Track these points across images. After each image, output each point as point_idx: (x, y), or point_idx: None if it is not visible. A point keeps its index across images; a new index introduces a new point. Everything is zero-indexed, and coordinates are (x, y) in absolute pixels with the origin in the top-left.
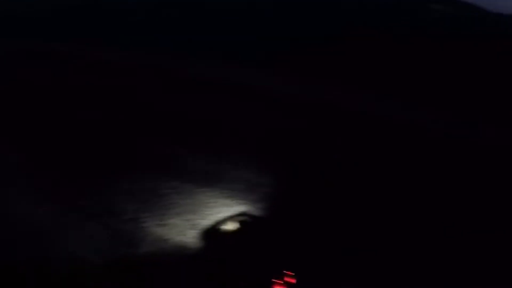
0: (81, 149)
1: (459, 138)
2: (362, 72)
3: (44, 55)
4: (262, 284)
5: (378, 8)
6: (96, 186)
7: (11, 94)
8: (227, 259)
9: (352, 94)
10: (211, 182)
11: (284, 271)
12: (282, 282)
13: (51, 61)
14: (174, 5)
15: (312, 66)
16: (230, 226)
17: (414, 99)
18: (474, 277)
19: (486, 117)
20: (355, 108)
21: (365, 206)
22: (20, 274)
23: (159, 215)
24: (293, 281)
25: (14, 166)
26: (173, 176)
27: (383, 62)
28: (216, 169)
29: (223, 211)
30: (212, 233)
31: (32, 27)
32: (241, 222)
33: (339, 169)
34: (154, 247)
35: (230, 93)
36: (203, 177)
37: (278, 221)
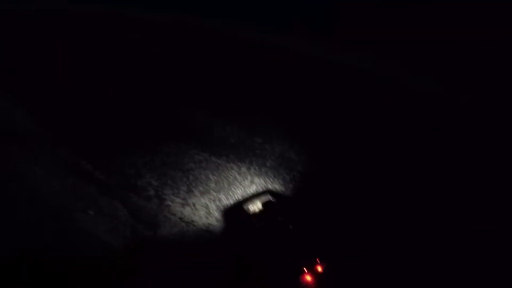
0: (103, 118)
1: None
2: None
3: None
4: (290, 271)
5: None
6: (116, 158)
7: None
8: (255, 244)
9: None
10: (241, 156)
11: (316, 259)
12: (312, 271)
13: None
14: None
15: (353, 34)
16: (259, 208)
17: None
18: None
19: None
20: (405, 84)
21: (403, 190)
22: (34, 256)
23: (184, 192)
24: (321, 269)
25: (34, 136)
26: (200, 148)
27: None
28: (247, 142)
29: (252, 191)
30: (240, 216)
31: None
32: (270, 204)
33: (380, 150)
34: (177, 230)
35: (271, 60)
36: (232, 150)
37: (310, 204)
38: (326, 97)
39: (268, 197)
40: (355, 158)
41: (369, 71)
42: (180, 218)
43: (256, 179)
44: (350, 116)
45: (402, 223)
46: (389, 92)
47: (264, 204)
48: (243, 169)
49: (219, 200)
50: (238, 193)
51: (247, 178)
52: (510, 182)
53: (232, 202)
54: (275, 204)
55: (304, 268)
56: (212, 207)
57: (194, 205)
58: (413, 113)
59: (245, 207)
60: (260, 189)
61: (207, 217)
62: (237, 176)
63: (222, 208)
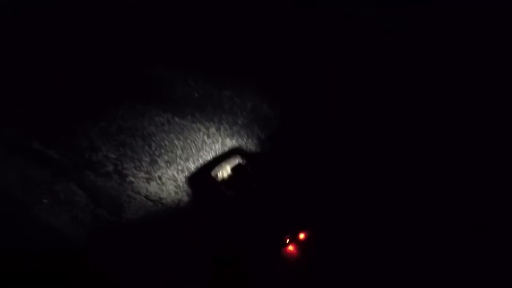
0: (46, 86)
1: None
2: None
3: None
4: (269, 243)
5: None
6: (67, 130)
7: None
8: (228, 218)
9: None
10: (208, 114)
11: (297, 227)
12: (294, 240)
13: None
14: None
15: None
16: (228, 173)
17: None
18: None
19: None
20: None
21: (396, 151)
22: None
23: (147, 164)
24: (303, 237)
25: None
26: (160, 108)
27: None
28: (214, 96)
29: (225, 155)
30: (213, 186)
31: None
32: (240, 167)
33: (369, 104)
34: (144, 211)
35: (240, 6)
36: (198, 107)
37: (288, 165)
38: (304, 44)
39: (237, 159)
40: (340, 111)
41: (359, 16)
42: (146, 196)
43: (228, 141)
44: (332, 64)
45: (393, 188)
46: (382, 40)
47: (233, 169)
48: (212, 129)
49: (188, 169)
50: (208, 159)
51: (217, 141)
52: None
53: (203, 171)
54: (246, 166)
55: (286, 239)
56: (181, 179)
57: (160, 178)
58: (407, 65)
59: (213, 173)
60: (234, 152)
61: (176, 192)
62: (206, 139)
63: (192, 179)
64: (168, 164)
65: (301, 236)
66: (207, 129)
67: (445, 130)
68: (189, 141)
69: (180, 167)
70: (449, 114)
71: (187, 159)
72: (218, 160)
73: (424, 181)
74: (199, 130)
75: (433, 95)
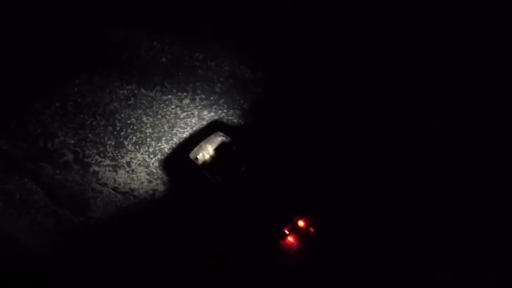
0: None
1: None
2: None
3: None
4: (267, 239)
5: None
6: (12, 114)
7: None
8: (215, 211)
9: None
10: (179, 82)
11: (296, 215)
12: (293, 230)
13: None
14: None
15: None
16: (210, 154)
17: None
18: None
19: None
20: None
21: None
22: None
23: (112, 149)
24: (303, 225)
25: None
26: (123, 79)
27: None
28: (184, 60)
29: (204, 131)
30: (194, 172)
31: None
32: (225, 147)
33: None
34: (113, 207)
35: None
36: (167, 75)
37: (282, 141)
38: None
39: (219, 137)
40: (332, 71)
41: None
42: (114, 189)
43: (205, 113)
44: (313, 23)
45: (394, 166)
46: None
47: (216, 149)
48: (186, 101)
49: (161, 151)
50: (182, 137)
51: (193, 114)
52: None
53: (177, 151)
54: (231, 145)
55: (285, 230)
56: (153, 163)
57: (129, 165)
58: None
59: (192, 155)
60: (210, 128)
61: (149, 181)
62: (180, 113)
63: (166, 163)
64: (137, 147)
65: (301, 223)
66: (180, 100)
67: (444, 130)
68: (159, 116)
69: (151, 149)
70: (446, 114)
71: (159, 139)
72: (197, 138)
73: (422, 178)
74: (171, 102)
75: (432, 93)
